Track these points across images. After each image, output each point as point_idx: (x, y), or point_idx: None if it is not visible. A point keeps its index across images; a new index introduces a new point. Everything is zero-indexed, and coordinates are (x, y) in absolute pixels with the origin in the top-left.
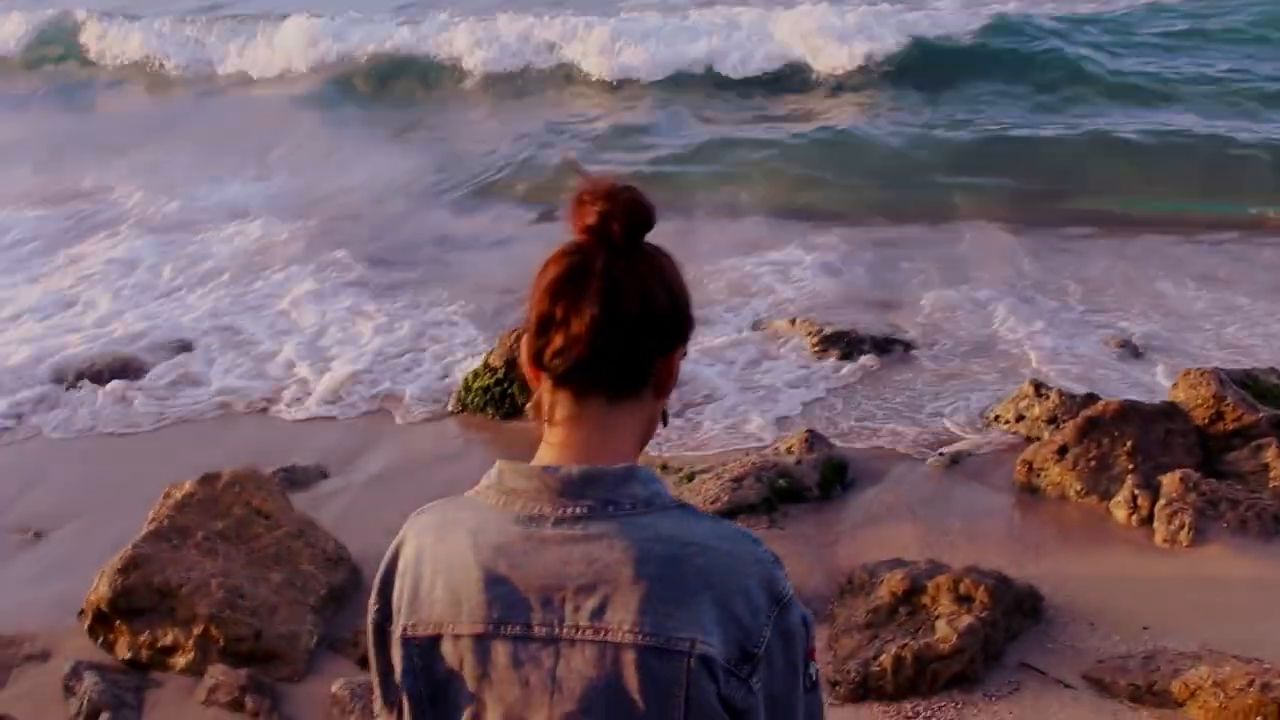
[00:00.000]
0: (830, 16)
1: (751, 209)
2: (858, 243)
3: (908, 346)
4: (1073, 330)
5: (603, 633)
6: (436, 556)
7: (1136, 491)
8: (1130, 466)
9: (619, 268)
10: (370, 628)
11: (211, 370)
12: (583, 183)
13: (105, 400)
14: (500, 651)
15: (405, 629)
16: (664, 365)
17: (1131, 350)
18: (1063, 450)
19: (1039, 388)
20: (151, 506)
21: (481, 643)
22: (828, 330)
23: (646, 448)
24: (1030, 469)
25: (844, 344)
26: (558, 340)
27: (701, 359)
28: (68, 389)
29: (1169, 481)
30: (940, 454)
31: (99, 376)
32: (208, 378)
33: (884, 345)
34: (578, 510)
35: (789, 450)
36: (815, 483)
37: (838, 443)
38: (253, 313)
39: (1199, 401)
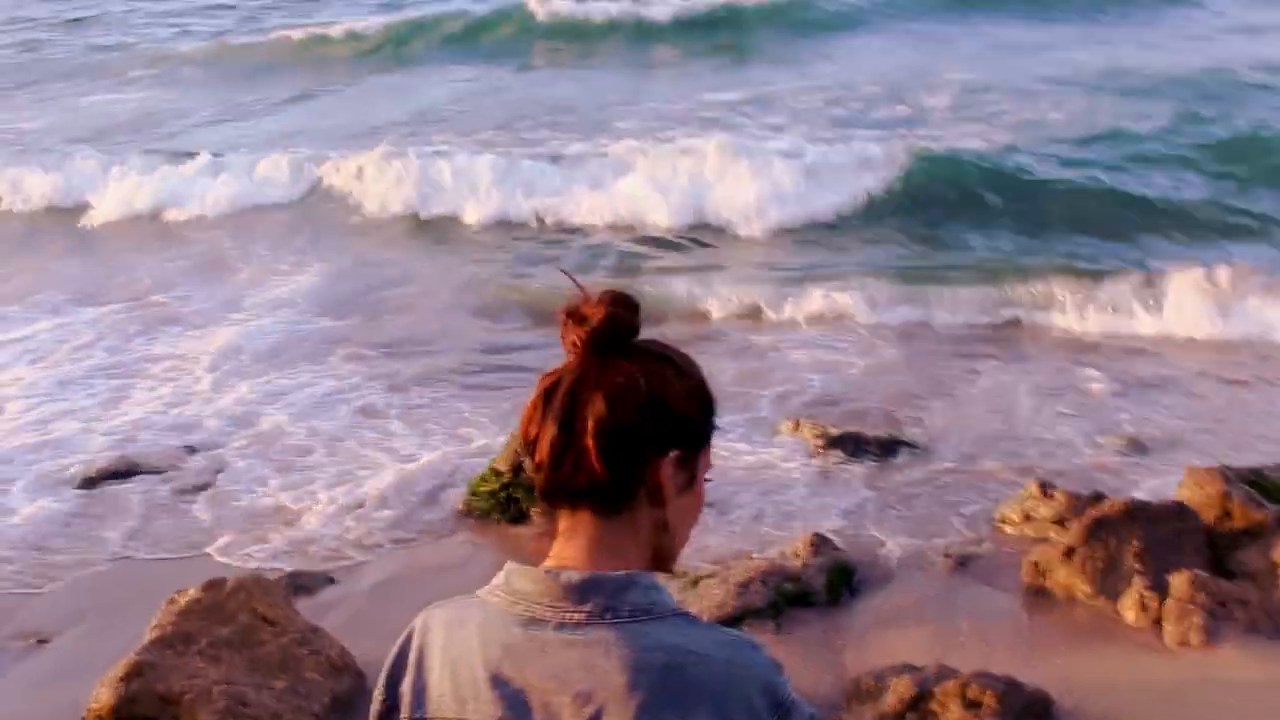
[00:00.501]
0: None
1: None
2: None
3: (912, 446)
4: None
5: None
6: (445, 651)
7: (1145, 592)
8: (1139, 567)
9: (587, 385)
10: (374, 718)
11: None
12: (572, 298)
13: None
14: None
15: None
16: (653, 474)
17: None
18: (1070, 551)
19: (1044, 487)
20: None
21: None
22: (833, 432)
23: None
24: (1038, 570)
25: (849, 445)
26: (535, 460)
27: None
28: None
29: (1178, 582)
30: (947, 556)
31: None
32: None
33: (889, 446)
34: (578, 616)
35: (795, 554)
36: (822, 586)
37: (844, 546)
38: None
39: (1206, 500)
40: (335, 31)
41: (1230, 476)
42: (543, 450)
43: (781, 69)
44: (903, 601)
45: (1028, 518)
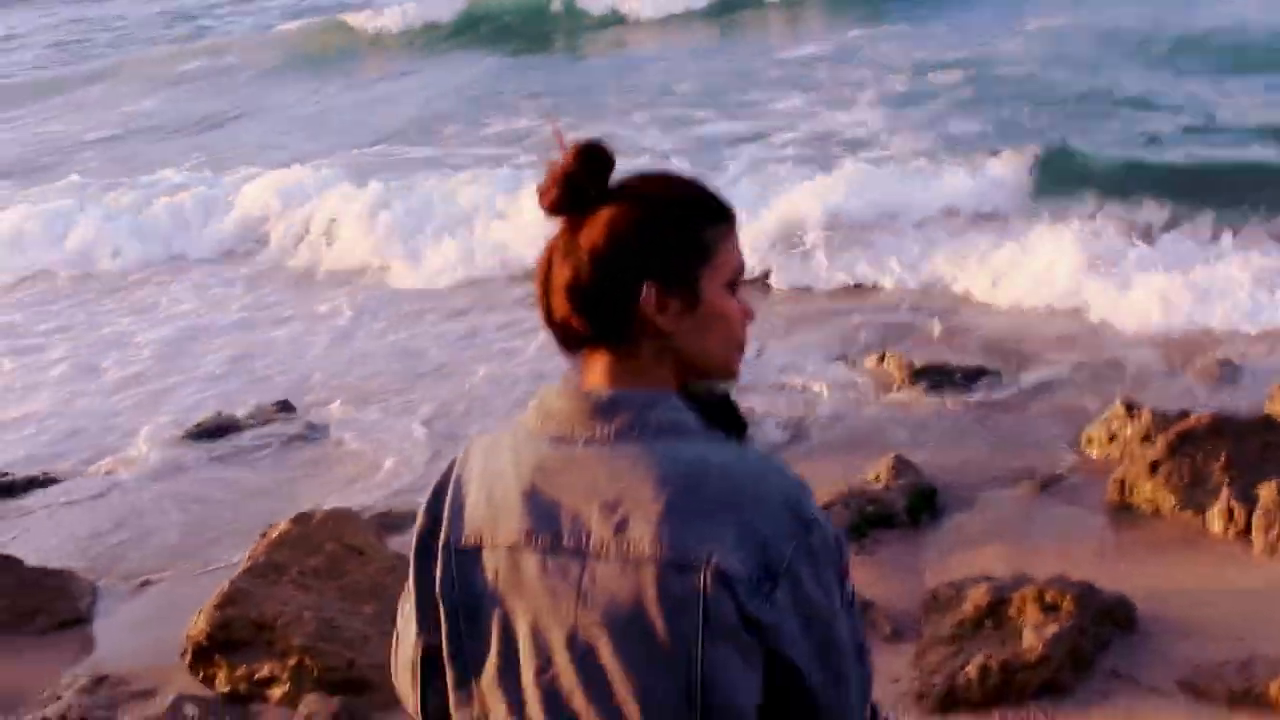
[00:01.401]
0: None
1: None
2: None
3: (999, 373)
4: None
5: (625, 547)
6: (483, 474)
7: (1233, 503)
8: (1225, 479)
9: (557, 251)
10: (415, 543)
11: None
12: (546, 165)
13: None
14: (531, 561)
15: (449, 539)
16: (644, 307)
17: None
18: (1155, 466)
19: (1130, 407)
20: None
21: (514, 553)
22: (917, 364)
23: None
24: (1123, 487)
25: (934, 375)
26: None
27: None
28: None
29: (1266, 492)
30: (1031, 478)
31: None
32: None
33: (973, 375)
34: (606, 431)
35: (877, 478)
36: (903, 508)
37: (926, 470)
38: None
39: None
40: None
41: None
42: (541, 313)
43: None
44: (984, 522)
45: (1113, 438)
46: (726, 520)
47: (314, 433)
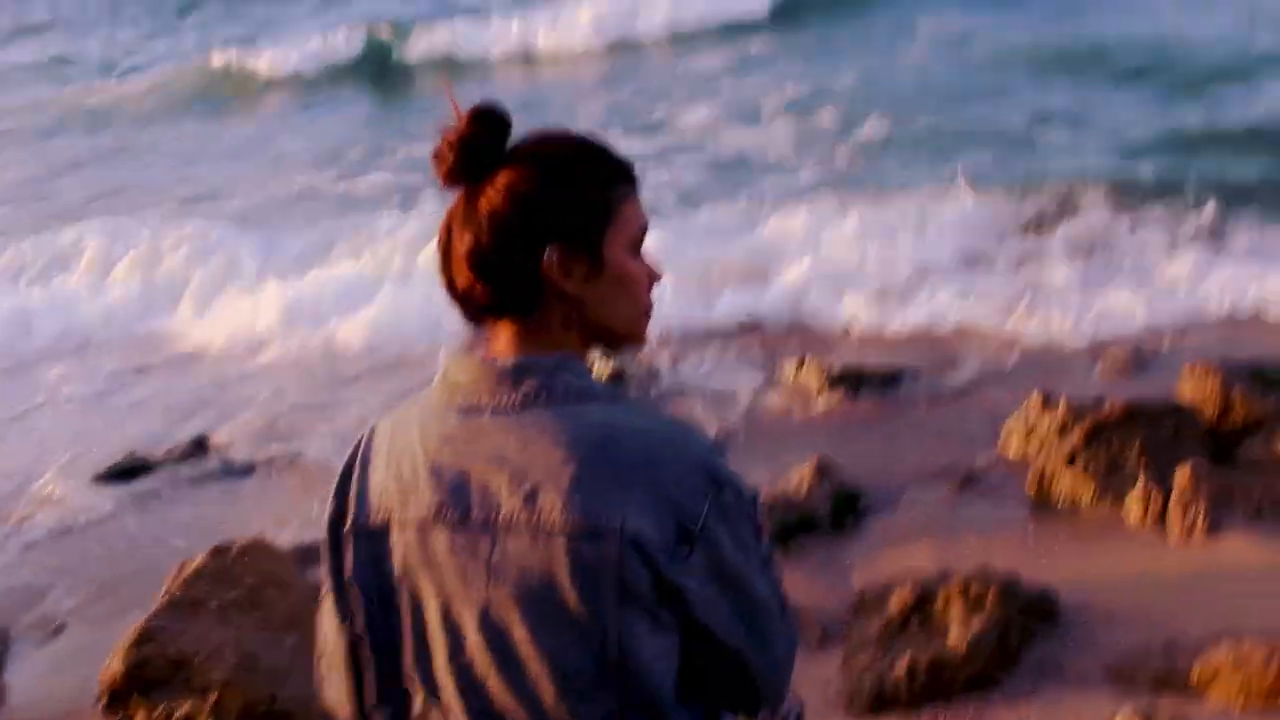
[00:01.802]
0: None
1: None
2: None
3: (916, 375)
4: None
5: (535, 516)
6: (389, 452)
7: (1149, 489)
8: (1140, 466)
9: (457, 218)
10: (326, 529)
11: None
12: (441, 130)
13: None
14: (440, 538)
15: (357, 521)
16: (548, 271)
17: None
18: (1072, 457)
19: (1047, 399)
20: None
21: (423, 530)
22: (835, 370)
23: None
24: (1042, 479)
25: (852, 381)
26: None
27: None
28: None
29: (1180, 476)
30: (951, 476)
31: None
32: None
33: (891, 378)
34: (513, 399)
35: (799, 484)
36: (827, 513)
37: (848, 474)
38: None
39: (1206, 396)
40: None
41: (1230, 370)
42: (443, 284)
43: None
44: (908, 522)
45: (1031, 431)
46: (638, 484)
47: (229, 470)
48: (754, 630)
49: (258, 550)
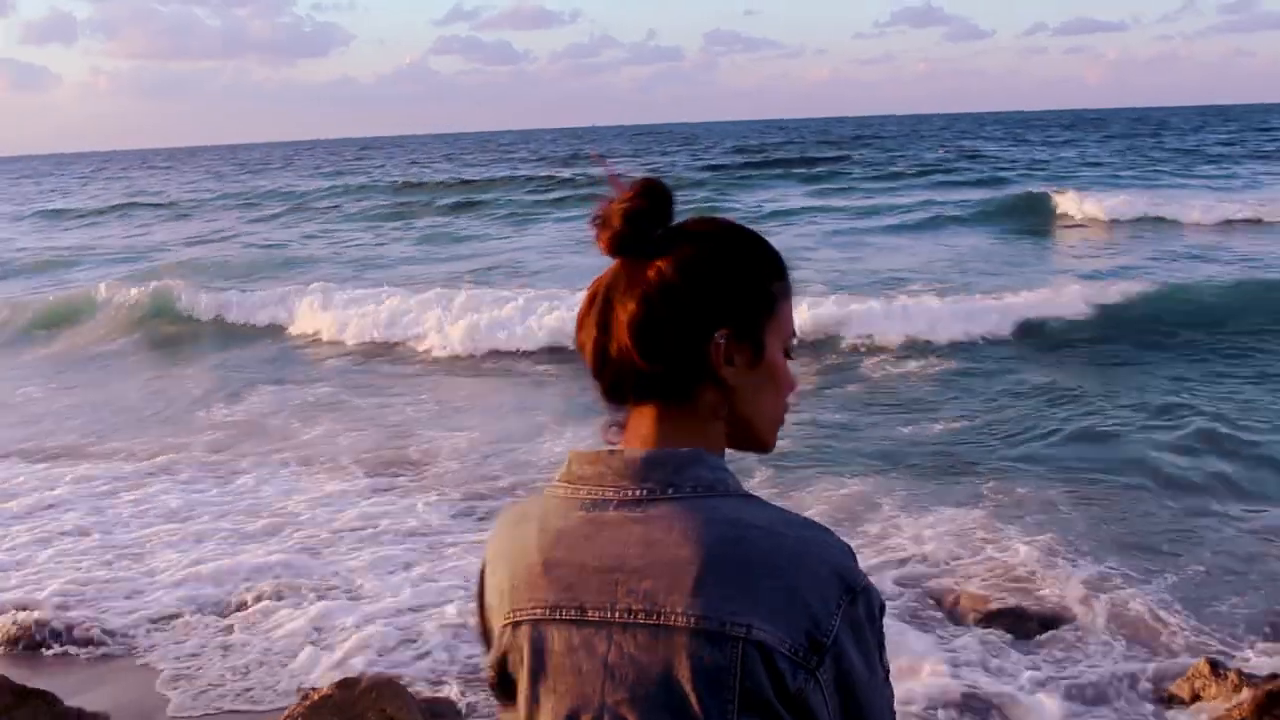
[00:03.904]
0: None
1: None
2: None
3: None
4: None
5: (655, 616)
6: (508, 551)
7: None
8: None
9: (619, 286)
10: (479, 635)
11: None
12: (601, 202)
13: None
14: (556, 638)
15: (489, 624)
16: (714, 354)
17: None
18: None
19: (1216, 667)
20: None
21: (537, 628)
22: (993, 608)
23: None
24: None
25: (1008, 620)
26: (588, 366)
27: None
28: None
29: None
30: None
31: None
32: None
33: (1049, 621)
34: (639, 493)
35: None
36: None
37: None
38: None
39: None
40: None
41: None
42: (589, 354)
43: None
44: None
45: (1196, 697)
46: (767, 587)
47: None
48: None
49: (386, 688)
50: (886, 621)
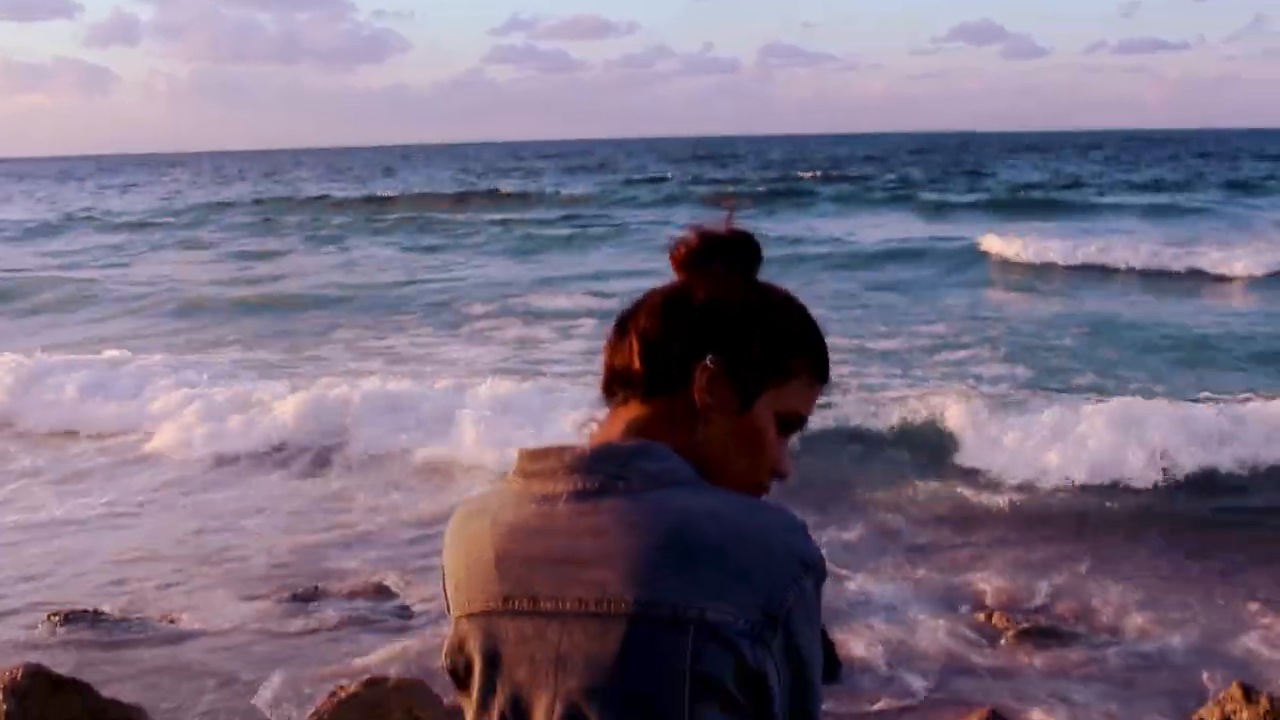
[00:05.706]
0: None
1: None
2: None
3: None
4: None
5: (606, 605)
6: (463, 545)
7: None
8: None
9: (655, 291)
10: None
11: None
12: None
13: None
14: (510, 629)
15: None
16: (698, 375)
17: None
18: None
19: (1248, 691)
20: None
21: (491, 620)
22: (1024, 625)
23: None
24: None
25: (1037, 637)
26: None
27: None
28: None
29: None
30: None
31: None
32: None
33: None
34: (588, 485)
35: None
36: None
37: None
38: None
39: None
40: None
41: None
42: (605, 348)
43: None
44: None
45: None
46: (717, 570)
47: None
48: (803, 714)
49: (414, 689)
50: None
